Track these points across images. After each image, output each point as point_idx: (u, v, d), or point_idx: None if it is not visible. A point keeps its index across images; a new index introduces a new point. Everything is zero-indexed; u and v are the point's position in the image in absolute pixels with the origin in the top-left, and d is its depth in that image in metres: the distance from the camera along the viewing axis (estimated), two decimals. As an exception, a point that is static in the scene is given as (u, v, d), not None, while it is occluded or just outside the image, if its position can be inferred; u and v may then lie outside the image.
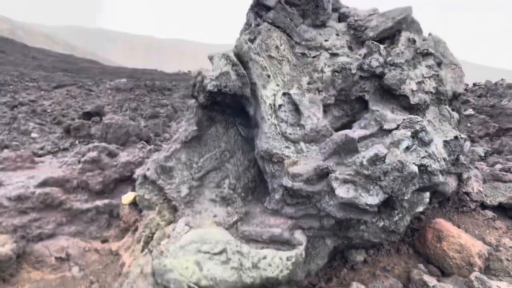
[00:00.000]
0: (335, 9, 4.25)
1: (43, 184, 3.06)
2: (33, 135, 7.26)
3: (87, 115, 8.04)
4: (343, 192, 2.73)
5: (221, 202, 3.09)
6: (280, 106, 3.17)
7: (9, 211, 2.78)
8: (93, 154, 3.29)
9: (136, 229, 3.03)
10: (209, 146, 3.35)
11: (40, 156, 5.73)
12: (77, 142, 6.79)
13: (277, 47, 3.49)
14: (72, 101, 12.31)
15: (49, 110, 9.15)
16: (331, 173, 2.80)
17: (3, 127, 7.29)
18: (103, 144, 3.50)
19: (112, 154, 3.46)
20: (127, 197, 3.20)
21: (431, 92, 3.60)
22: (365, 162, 2.78)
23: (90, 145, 3.46)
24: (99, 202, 3.05)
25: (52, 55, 22.17)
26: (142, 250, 2.82)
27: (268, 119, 3.08)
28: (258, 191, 3.28)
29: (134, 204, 3.19)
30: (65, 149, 6.45)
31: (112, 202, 3.13)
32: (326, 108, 3.39)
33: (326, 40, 3.79)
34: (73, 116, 9.10)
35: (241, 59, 3.24)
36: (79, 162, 3.45)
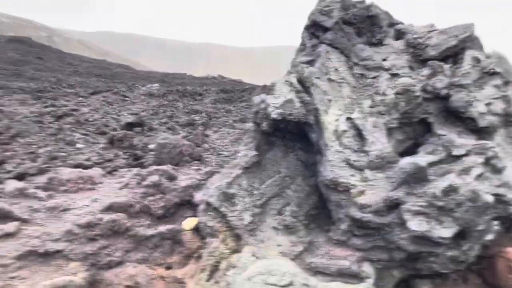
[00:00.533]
0: (390, 25, 4.14)
1: (108, 209, 3.11)
2: (78, 145, 7.42)
3: (129, 126, 8.19)
4: (416, 225, 2.64)
5: (284, 231, 3.06)
6: (343, 132, 3.10)
7: (80, 238, 2.83)
8: (155, 178, 3.32)
9: (199, 256, 3.03)
10: (268, 172, 3.31)
11: (86, 168, 5.85)
12: (120, 153, 6.90)
13: (336, 69, 3.43)
14: (109, 107, 12.55)
15: (91, 120, 9.35)
16: (402, 205, 2.71)
17: (50, 137, 7.49)
18: (163, 167, 3.53)
19: (171, 178, 3.48)
20: (188, 222, 3.21)
21: (499, 114, 3.44)
22: (438, 193, 2.68)
23: (151, 168, 3.49)
24: (162, 228, 3.07)
25: (87, 60, 22.80)
26: (208, 280, 2.82)
27: (332, 146, 3.02)
28: (321, 218, 3.22)
29: (196, 230, 3.20)
30: (110, 160, 6.55)
31: (174, 228, 3.14)
32: (389, 132, 3.30)
33: (384, 60, 3.69)
34: (113, 125, 9.27)
35: (303, 84, 3.19)
36: (138, 184, 3.48)
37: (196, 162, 4.51)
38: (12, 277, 2.55)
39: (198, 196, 3.40)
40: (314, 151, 3.24)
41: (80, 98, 13.29)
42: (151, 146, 7.22)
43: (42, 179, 3.60)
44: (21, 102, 12.09)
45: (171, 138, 4.44)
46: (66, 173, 3.71)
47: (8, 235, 2.79)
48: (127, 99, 14.15)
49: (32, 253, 2.72)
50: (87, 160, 6.35)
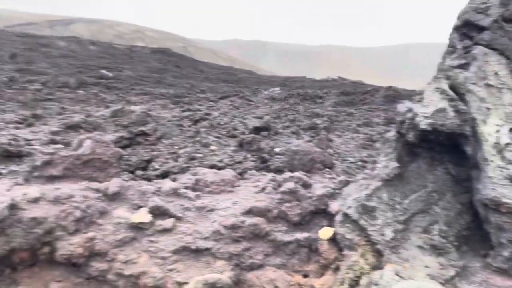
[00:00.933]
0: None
1: (249, 212, 3.26)
2: (212, 147, 7.97)
3: (256, 130, 8.56)
4: None
5: (431, 251, 2.82)
6: (506, 145, 2.72)
7: (225, 239, 3.03)
8: (290, 184, 3.38)
9: (337, 268, 2.99)
10: (412, 185, 3.10)
11: (220, 168, 6.22)
12: (249, 155, 7.21)
13: (496, 73, 3.03)
14: (236, 111, 13.31)
15: (222, 123, 10.02)
16: None
17: (188, 140, 8.19)
18: (297, 174, 3.57)
19: (306, 185, 3.50)
20: (325, 232, 3.19)
21: None
22: None
23: (286, 175, 3.57)
24: (299, 235, 3.11)
25: (216, 67, 24.75)
26: (347, 294, 2.76)
27: (492, 161, 2.68)
28: (475, 241, 2.89)
29: (332, 240, 3.16)
30: (240, 162, 6.89)
31: (311, 236, 3.15)
32: None
33: (558, 59, 3.13)
34: (241, 128, 9.77)
35: (456, 91, 2.90)
36: (274, 189, 3.58)
37: (328, 169, 4.48)
38: (170, 269, 2.86)
39: (334, 206, 3.35)
40: (468, 166, 2.92)
41: (211, 103, 14.44)
42: (277, 150, 7.44)
43: (190, 180, 3.97)
44: (163, 106, 13.68)
45: (303, 145, 4.49)
46: (210, 175, 4.02)
47: (166, 231, 3.14)
48: (251, 103, 14.87)
49: (186, 249, 3.00)
50: (220, 161, 6.84)
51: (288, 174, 3.65)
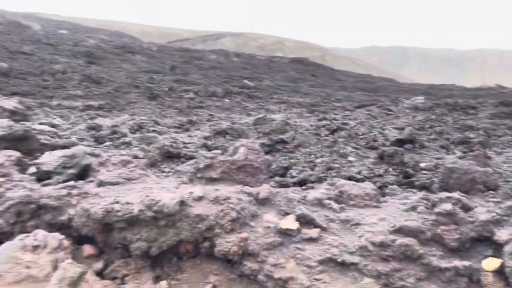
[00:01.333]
0: None
1: (398, 231, 3.10)
2: (350, 158, 7.81)
3: (399, 142, 8.10)
4: None
5: None
6: None
7: (373, 256, 2.93)
8: (448, 206, 3.09)
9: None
10: None
11: (358, 180, 6.06)
12: (390, 169, 6.89)
13: None
14: (374, 121, 12.83)
15: (359, 134, 9.78)
16: None
17: (325, 149, 8.17)
18: (455, 195, 3.25)
19: (466, 208, 3.15)
20: (490, 263, 2.82)
21: None
22: None
23: (441, 195, 3.27)
24: (457, 263, 2.81)
25: (352, 75, 24.33)
26: None
27: None
28: None
29: (499, 272, 2.78)
30: (380, 176, 6.62)
31: (472, 265, 2.82)
32: None
33: None
34: (381, 140, 9.39)
35: None
36: (427, 209, 3.32)
37: (491, 192, 3.96)
38: (317, 279, 2.89)
39: (502, 235, 2.94)
40: None
41: (347, 112, 14.22)
42: (423, 165, 6.89)
43: (333, 192, 3.96)
44: (299, 115, 14.04)
45: (460, 163, 4.06)
46: (352, 188, 3.95)
47: (312, 240, 3.19)
48: (391, 112, 14.14)
49: (332, 260, 3.00)
50: (358, 173, 6.65)
51: (444, 194, 3.34)
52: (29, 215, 3.33)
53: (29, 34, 24.09)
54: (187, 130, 9.11)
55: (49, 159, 3.99)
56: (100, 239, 3.27)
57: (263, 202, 3.56)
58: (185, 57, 27.85)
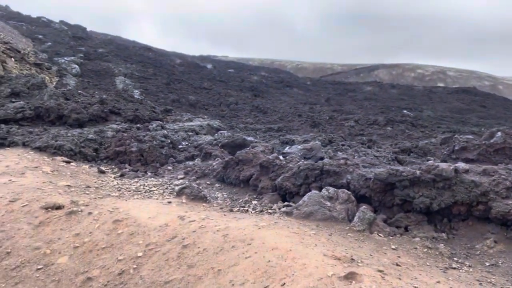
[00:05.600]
0: None
1: None
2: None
3: None
4: None
5: None
6: None
7: None
8: None
9: None
10: None
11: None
12: None
13: None
14: None
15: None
16: None
17: None
18: None
19: None
20: None
21: None
22: None
23: None
24: None
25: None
26: None
27: None
28: None
29: None
30: None
31: None
32: None
33: None
34: None
35: None
36: None
37: None
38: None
39: None
40: None
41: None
42: None
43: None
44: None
45: None
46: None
47: None
48: None
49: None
50: None
51: None
52: (314, 178, 4.58)
53: (205, 73, 28.33)
54: (369, 147, 9.54)
55: (293, 151, 5.38)
56: (376, 198, 4.19)
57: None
58: (339, 89, 28.52)
